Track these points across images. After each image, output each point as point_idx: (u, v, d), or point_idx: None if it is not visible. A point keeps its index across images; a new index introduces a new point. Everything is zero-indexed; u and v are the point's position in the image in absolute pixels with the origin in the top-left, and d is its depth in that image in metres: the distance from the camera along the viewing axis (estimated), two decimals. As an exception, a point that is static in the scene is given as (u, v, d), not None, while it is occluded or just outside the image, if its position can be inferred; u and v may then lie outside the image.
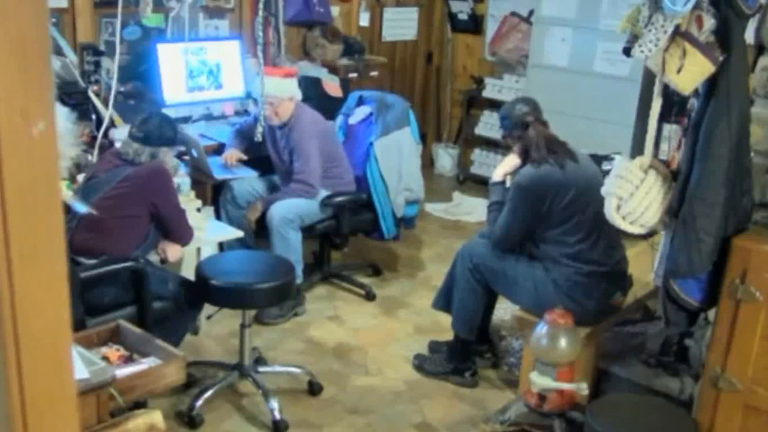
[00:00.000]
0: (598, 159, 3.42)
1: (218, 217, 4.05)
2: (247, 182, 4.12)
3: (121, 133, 3.57)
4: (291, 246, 3.85)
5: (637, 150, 3.38)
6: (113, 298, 2.87)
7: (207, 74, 4.46)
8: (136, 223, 3.05)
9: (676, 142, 3.01)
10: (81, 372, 1.94)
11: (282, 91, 3.90)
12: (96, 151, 3.46)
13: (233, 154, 4.11)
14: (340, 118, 4.46)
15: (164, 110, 3.78)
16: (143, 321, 2.85)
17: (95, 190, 3.02)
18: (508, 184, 3.18)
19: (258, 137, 4.12)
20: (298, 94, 4.02)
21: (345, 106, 4.53)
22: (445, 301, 3.41)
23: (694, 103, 2.50)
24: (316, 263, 4.37)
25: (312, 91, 4.50)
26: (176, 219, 3.16)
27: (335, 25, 5.31)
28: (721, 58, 2.23)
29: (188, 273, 3.26)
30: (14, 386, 0.83)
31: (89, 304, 2.77)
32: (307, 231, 4.03)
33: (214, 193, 4.25)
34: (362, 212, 4.20)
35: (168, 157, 3.17)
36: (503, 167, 3.22)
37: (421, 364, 3.52)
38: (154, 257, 3.17)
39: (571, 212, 2.97)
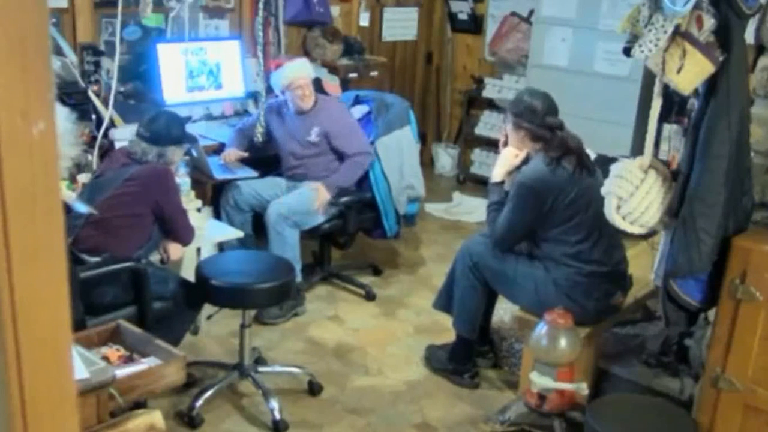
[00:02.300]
0: (606, 160, 3.37)
1: (218, 216, 4.05)
2: (251, 187, 4.10)
3: (121, 133, 3.57)
4: (288, 243, 3.84)
5: (637, 150, 3.38)
6: (113, 298, 2.87)
7: (207, 74, 4.46)
8: (141, 222, 3.05)
9: (676, 142, 3.01)
10: (81, 372, 1.94)
11: (307, 71, 4.02)
12: (96, 151, 3.46)
13: (232, 153, 4.10)
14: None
15: (164, 110, 3.78)
16: (143, 321, 2.85)
17: (101, 188, 3.02)
18: (507, 185, 3.16)
19: (258, 138, 4.12)
20: None
21: (341, 105, 4.54)
22: (445, 301, 3.40)
23: (694, 103, 2.50)
24: (316, 263, 4.37)
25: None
26: (178, 219, 3.16)
27: (335, 25, 5.31)
28: (721, 58, 2.23)
29: (188, 273, 3.26)
30: (14, 386, 0.83)
31: (89, 304, 2.77)
32: (313, 230, 4.04)
33: (214, 193, 4.25)
34: (364, 211, 4.20)
35: (176, 156, 3.17)
36: (502, 166, 3.17)
37: (430, 356, 3.55)
38: (154, 257, 3.18)
39: (572, 212, 2.96)
